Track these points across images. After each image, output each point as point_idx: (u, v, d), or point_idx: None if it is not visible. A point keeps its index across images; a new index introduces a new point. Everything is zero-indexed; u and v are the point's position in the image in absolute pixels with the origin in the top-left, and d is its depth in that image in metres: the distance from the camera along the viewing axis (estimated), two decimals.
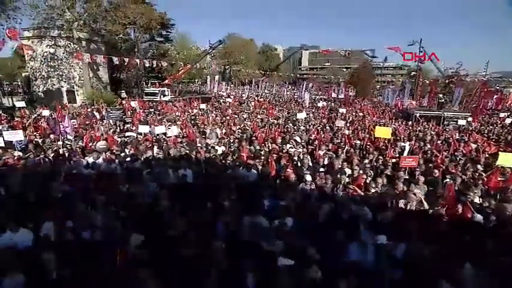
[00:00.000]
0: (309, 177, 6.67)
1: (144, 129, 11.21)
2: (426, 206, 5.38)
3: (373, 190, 6.30)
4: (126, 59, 23.44)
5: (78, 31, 23.80)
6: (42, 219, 4.77)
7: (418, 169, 7.22)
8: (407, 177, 7.00)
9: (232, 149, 9.69)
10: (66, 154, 8.76)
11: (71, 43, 24.90)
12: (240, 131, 12.67)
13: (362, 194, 6.19)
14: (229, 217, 4.69)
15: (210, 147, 9.41)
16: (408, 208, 5.47)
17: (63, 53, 25.59)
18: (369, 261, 3.97)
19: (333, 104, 27.74)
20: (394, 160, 8.47)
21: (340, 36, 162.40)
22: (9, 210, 5.05)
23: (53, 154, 8.71)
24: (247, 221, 4.64)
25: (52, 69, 26.00)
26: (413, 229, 4.24)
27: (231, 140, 10.74)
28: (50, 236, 4.51)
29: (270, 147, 9.76)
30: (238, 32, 53.99)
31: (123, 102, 22.34)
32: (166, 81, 30.79)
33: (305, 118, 15.89)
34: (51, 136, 11.03)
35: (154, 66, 29.38)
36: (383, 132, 10.61)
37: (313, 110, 21.91)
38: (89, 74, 25.71)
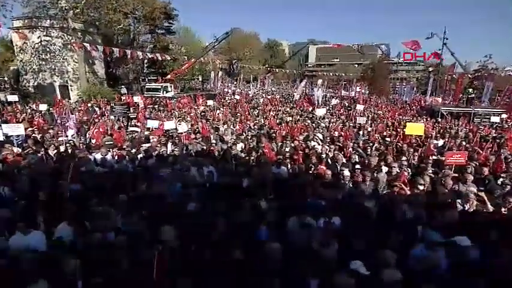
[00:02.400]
0: (347, 173, 6.47)
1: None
2: (490, 206, 5.12)
3: (421, 188, 6.05)
4: (128, 52, 23.11)
5: (73, 21, 23.44)
6: (56, 220, 4.55)
7: (468, 166, 6.95)
8: (455, 175, 6.75)
9: (251, 146, 9.51)
10: (70, 151, 8.53)
11: (65, 34, 24.48)
12: (256, 127, 12.51)
13: (409, 192, 5.97)
14: (273, 217, 4.42)
15: (229, 144, 9.19)
16: (467, 208, 5.21)
17: (57, 45, 25.09)
18: (443, 265, 3.71)
19: (346, 102, 27.50)
20: (435, 157, 8.28)
21: (347, 31, 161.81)
22: (16, 211, 4.80)
23: (55, 151, 8.50)
24: (294, 221, 4.38)
25: (44, 63, 25.46)
26: (489, 231, 3.97)
27: (249, 137, 10.58)
28: (68, 238, 4.26)
29: (293, 144, 9.58)
30: (243, 27, 53.60)
31: (123, 98, 22.11)
32: (169, 76, 30.63)
33: (324, 115, 15.76)
34: (50, 132, 10.85)
35: (155, 59, 29.11)
36: (415, 129, 10.41)
37: (328, 108, 21.77)
38: (84, 68, 25.34)
